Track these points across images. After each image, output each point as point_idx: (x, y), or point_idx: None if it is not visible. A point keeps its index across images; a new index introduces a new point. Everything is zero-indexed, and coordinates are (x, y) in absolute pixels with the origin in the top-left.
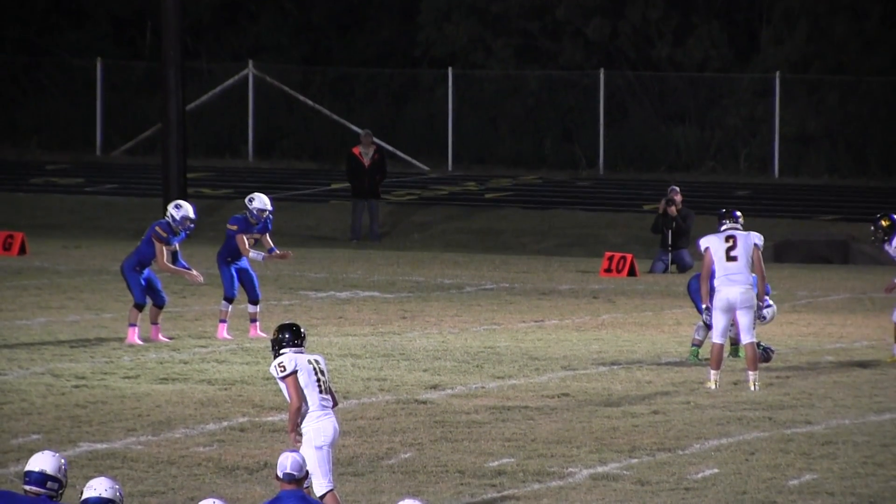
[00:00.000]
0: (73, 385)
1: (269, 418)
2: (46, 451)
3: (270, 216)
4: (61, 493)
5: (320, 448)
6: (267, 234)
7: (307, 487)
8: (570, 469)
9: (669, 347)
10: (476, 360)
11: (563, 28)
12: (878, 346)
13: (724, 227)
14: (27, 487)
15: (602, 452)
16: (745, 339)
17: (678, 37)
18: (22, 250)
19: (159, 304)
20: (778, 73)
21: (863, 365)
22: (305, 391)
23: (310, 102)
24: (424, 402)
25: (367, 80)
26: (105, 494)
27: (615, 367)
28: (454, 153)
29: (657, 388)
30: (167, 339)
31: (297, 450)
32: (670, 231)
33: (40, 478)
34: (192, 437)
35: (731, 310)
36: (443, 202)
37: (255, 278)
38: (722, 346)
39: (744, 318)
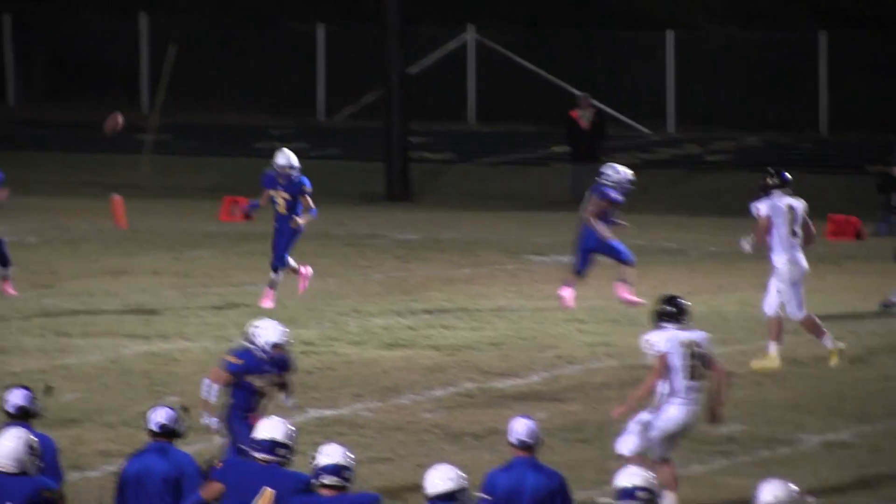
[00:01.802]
0: (301, 351)
1: (496, 384)
2: (274, 418)
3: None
4: (291, 460)
5: (661, 431)
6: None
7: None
8: (800, 436)
9: None
10: (702, 326)
11: None
12: None
13: None
14: (257, 455)
15: (832, 418)
16: None
17: None
18: (247, 216)
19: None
20: None
21: None
22: (671, 375)
23: (529, 66)
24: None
25: (586, 42)
26: (339, 461)
27: (844, 331)
28: (676, 115)
29: (885, 354)
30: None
31: (530, 416)
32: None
33: (269, 445)
34: (420, 402)
35: None
36: (664, 165)
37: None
38: None
39: None
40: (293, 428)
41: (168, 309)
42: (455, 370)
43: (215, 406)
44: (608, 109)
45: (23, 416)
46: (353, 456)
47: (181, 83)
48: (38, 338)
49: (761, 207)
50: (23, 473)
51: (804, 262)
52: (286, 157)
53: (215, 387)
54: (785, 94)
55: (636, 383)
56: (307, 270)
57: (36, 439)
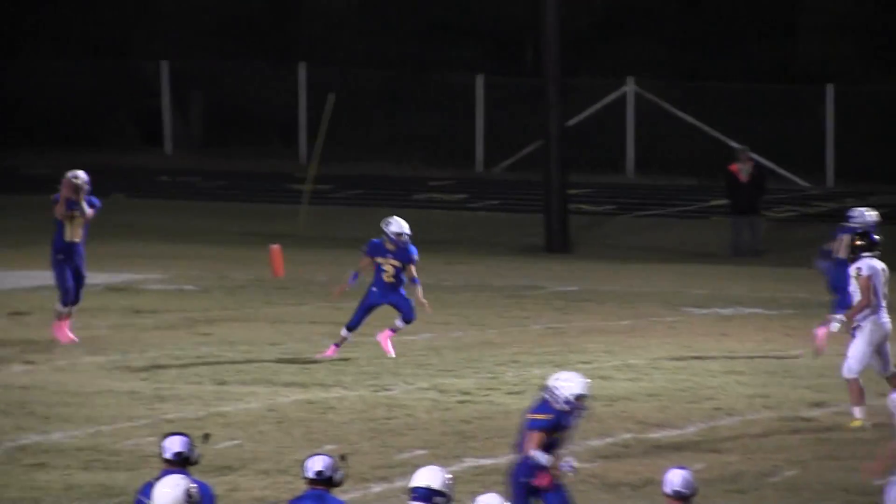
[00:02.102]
0: (458, 401)
1: (653, 435)
2: (432, 466)
3: (408, 241)
4: None
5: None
6: (411, 265)
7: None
8: None
9: None
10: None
11: None
12: None
13: None
14: (413, 503)
15: None
16: None
17: None
18: None
19: None
20: None
21: None
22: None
23: (688, 118)
24: (808, 420)
25: (745, 96)
26: None
27: None
28: (835, 169)
29: None
30: None
31: (686, 467)
32: None
33: (426, 493)
34: (576, 453)
35: None
36: (822, 219)
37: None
38: None
39: None
40: (450, 476)
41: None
42: (612, 421)
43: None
44: (767, 163)
45: (181, 463)
46: None
47: (339, 133)
48: (195, 385)
49: (862, 268)
50: None
51: (888, 324)
52: (399, 225)
53: (539, 454)
54: None
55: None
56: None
57: (195, 486)
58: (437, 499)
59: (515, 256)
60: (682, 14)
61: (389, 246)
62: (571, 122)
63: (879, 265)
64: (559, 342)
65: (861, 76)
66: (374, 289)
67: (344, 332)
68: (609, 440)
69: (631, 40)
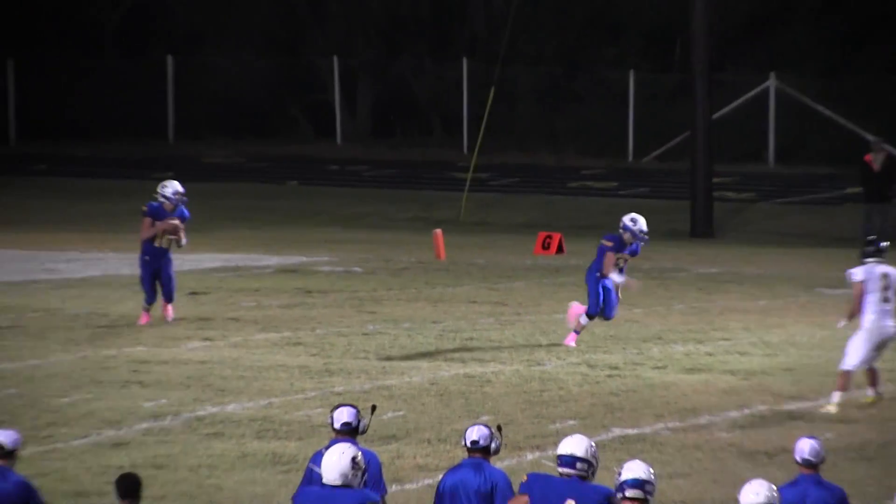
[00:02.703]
0: (607, 374)
1: (788, 407)
2: (576, 435)
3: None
4: (593, 474)
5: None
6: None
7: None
8: None
9: None
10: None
11: None
12: None
13: None
14: (560, 469)
15: None
16: None
17: None
18: (559, 249)
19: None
20: None
21: None
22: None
23: (827, 112)
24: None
25: (881, 89)
26: (641, 475)
27: None
28: None
29: None
30: None
31: (816, 436)
32: None
33: (570, 460)
34: (716, 423)
35: None
36: None
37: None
38: None
39: None
40: (594, 445)
41: (483, 335)
42: (749, 393)
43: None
44: None
45: (349, 433)
46: (653, 472)
47: (498, 125)
48: (361, 360)
49: (856, 274)
50: (347, 486)
51: (891, 328)
52: (638, 222)
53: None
54: None
55: None
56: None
57: (360, 453)
58: (581, 464)
59: (662, 241)
60: (822, 12)
61: (622, 243)
62: (717, 115)
63: (881, 270)
64: (701, 320)
65: None
66: (597, 272)
67: (584, 319)
68: (747, 411)
69: (774, 37)
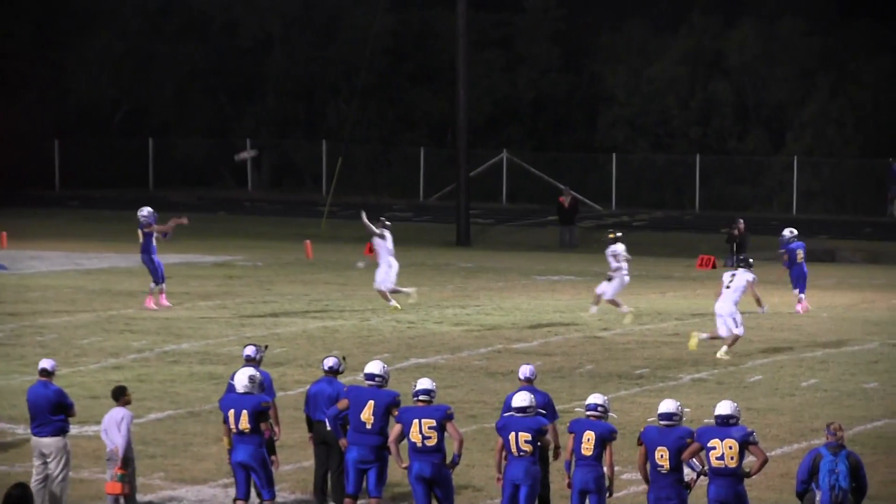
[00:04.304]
0: (407, 326)
1: (515, 346)
2: (375, 361)
3: None
4: (386, 383)
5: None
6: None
7: None
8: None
9: None
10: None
11: None
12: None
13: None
14: (367, 382)
15: None
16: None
17: None
18: (714, 266)
19: None
20: None
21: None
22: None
23: (537, 172)
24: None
25: (569, 160)
26: (428, 387)
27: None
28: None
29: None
30: None
31: (530, 363)
32: None
33: (370, 376)
34: (472, 355)
35: None
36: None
37: None
38: None
39: None
40: (387, 367)
41: (334, 303)
42: (491, 338)
43: None
44: (580, 196)
45: (252, 361)
46: (434, 384)
47: (345, 178)
48: (262, 317)
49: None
50: (249, 393)
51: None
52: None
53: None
54: None
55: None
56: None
57: (258, 374)
58: (377, 378)
59: (439, 247)
60: (535, 111)
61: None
62: (473, 173)
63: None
64: (462, 295)
65: None
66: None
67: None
68: (490, 349)
69: (505, 126)
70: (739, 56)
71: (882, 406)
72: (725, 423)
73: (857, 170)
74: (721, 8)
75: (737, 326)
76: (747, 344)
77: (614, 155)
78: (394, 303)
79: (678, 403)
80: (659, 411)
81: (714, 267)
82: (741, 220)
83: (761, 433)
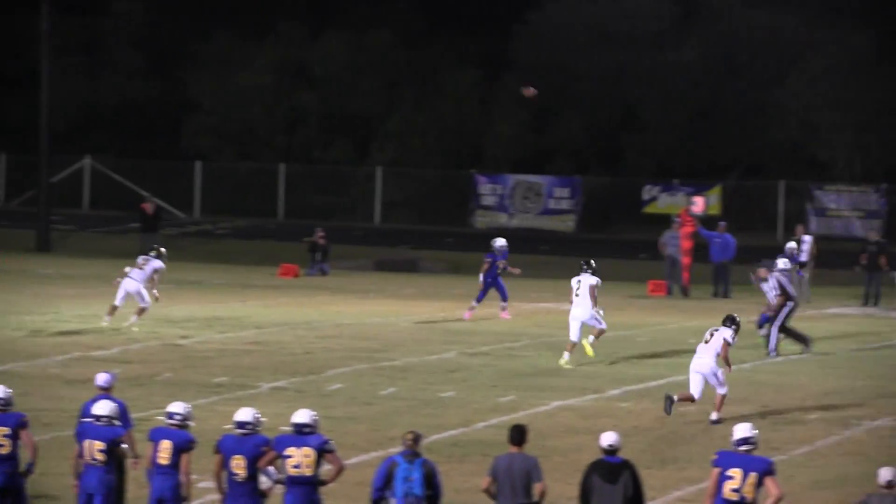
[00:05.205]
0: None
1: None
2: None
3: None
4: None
5: None
6: None
7: None
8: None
9: None
10: None
11: None
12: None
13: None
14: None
15: None
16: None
17: None
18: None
19: None
20: None
21: None
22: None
23: (127, 183)
24: None
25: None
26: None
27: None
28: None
29: None
30: None
31: (110, 371)
32: None
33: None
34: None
35: None
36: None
37: None
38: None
39: None
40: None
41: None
42: (67, 346)
43: None
44: (163, 203)
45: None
46: (9, 392)
47: None
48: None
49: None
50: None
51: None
52: None
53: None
54: None
55: None
56: None
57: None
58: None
59: (18, 254)
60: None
61: None
62: (53, 179)
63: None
64: (40, 301)
65: None
66: None
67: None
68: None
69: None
70: (326, 66)
71: (458, 415)
72: (302, 432)
73: (440, 180)
74: (308, 18)
75: (599, 323)
76: (327, 353)
77: (198, 162)
78: None
79: (255, 412)
80: (235, 419)
81: (297, 276)
82: (320, 230)
83: (340, 442)
